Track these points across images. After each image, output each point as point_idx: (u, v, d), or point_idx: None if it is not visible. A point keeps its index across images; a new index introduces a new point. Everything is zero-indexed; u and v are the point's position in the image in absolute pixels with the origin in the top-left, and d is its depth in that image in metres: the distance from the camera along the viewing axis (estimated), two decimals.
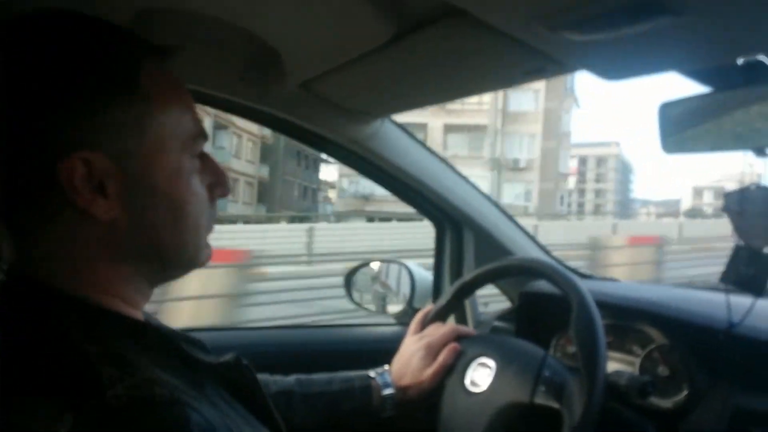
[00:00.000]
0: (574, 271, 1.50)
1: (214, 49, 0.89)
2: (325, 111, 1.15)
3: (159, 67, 0.57)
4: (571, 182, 61.17)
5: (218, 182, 0.62)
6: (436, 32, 0.79)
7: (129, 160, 0.54)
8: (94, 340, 0.49)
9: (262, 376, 0.69)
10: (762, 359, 0.90)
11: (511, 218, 1.43)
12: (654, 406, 0.97)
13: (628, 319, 1.08)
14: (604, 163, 77.79)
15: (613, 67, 0.80)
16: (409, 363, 0.99)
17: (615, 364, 1.07)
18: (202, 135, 0.60)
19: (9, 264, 0.52)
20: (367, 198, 31.69)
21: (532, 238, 1.48)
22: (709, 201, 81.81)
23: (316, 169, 43.60)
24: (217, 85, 1.06)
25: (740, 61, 0.72)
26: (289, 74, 0.98)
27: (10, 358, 0.46)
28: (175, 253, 0.59)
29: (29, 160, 0.51)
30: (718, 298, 1.03)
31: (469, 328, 1.14)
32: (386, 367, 1.01)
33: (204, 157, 0.62)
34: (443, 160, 1.35)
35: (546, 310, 1.19)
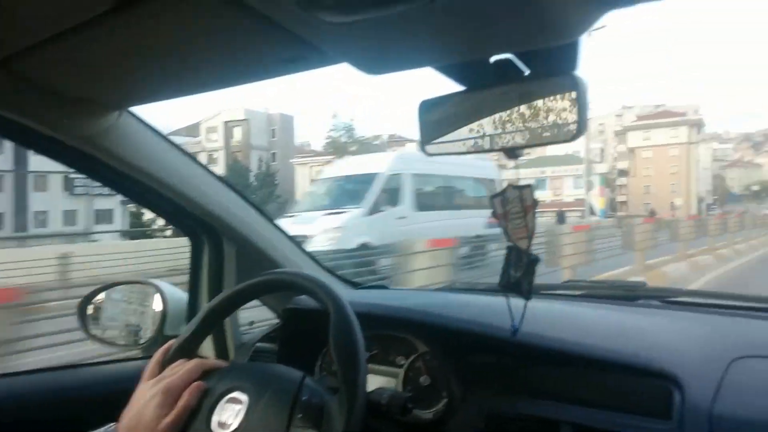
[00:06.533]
0: (345, 279, 1.46)
1: None
2: (38, 98, 0.91)
3: None
4: None
5: None
6: (171, 3, 0.65)
7: None
8: None
9: None
10: (530, 363, 0.93)
11: (276, 226, 1.33)
12: (417, 418, 0.96)
13: (392, 328, 1.06)
14: None
15: (373, 61, 0.76)
16: (142, 415, 0.80)
17: (379, 378, 1.04)
18: None
19: None
20: None
21: (301, 248, 1.40)
22: None
23: None
24: None
25: (492, 59, 0.72)
26: None
27: None
28: None
29: None
30: (487, 301, 1.07)
31: (219, 361, 0.97)
32: (112, 425, 0.82)
33: None
34: (197, 161, 1.19)
35: (311, 326, 1.11)
